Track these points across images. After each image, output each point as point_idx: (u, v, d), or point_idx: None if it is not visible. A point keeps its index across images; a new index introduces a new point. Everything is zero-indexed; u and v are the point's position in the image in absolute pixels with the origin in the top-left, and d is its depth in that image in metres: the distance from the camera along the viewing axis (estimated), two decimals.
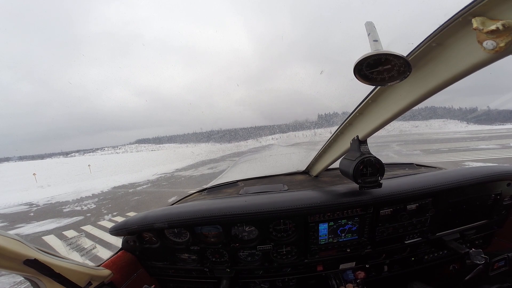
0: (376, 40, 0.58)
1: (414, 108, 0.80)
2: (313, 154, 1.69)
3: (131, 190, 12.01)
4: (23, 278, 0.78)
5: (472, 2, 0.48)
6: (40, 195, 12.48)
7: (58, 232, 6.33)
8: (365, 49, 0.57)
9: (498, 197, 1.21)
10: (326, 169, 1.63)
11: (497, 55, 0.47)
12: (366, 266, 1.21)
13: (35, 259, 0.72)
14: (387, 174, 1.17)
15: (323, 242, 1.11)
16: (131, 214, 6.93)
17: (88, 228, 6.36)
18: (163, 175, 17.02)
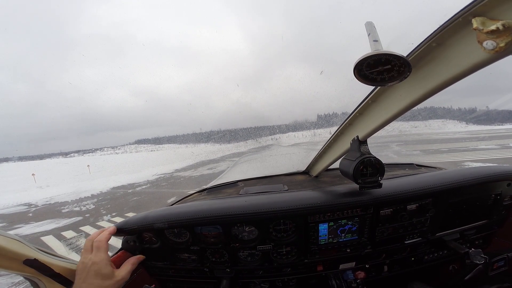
0: (376, 40, 0.58)
1: (414, 108, 0.80)
2: (313, 154, 1.70)
3: (130, 191, 12.01)
4: (22, 278, 0.78)
5: (472, 2, 0.48)
6: (39, 196, 12.46)
7: (56, 233, 6.32)
8: (365, 49, 0.57)
9: (498, 197, 1.21)
10: (326, 169, 1.63)
11: (497, 55, 0.47)
12: (366, 266, 1.21)
13: (35, 259, 0.72)
14: (387, 174, 1.17)
15: (323, 242, 1.11)
16: (130, 214, 6.93)
17: (87, 228, 6.36)
18: (162, 175, 17.02)
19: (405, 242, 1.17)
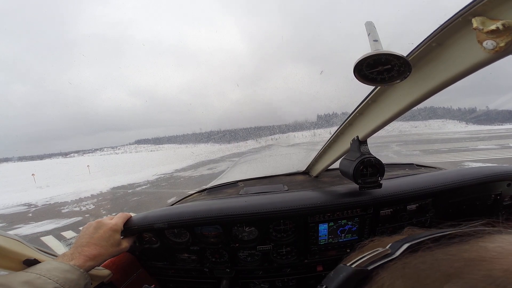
0: (376, 40, 0.58)
1: (413, 108, 0.80)
2: (313, 154, 1.69)
3: (130, 191, 12.00)
4: None
5: (472, 2, 0.48)
6: (39, 196, 12.44)
7: (56, 233, 6.31)
8: (365, 49, 0.57)
9: (498, 197, 1.21)
10: (326, 170, 1.63)
11: (497, 55, 0.47)
12: None
13: (34, 259, 0.72)
14: (387, 174, 1.17)
15: (323, 243, 1.11)
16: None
17: None
18: (162, 175, 17.01)
19: None
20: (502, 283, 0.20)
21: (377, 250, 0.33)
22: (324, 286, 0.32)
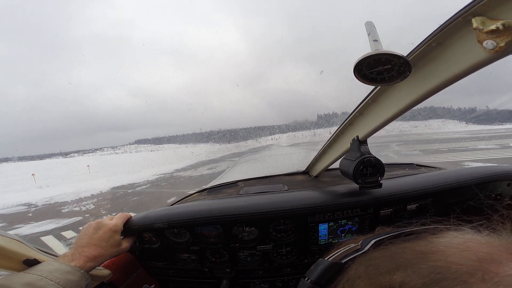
0: (376, 40, 0.58)
1: (413, 108, 0.80)
2: (313, 154, 1.69)
3: (130, 191, 12.00)
4: None
5: (472, 2, 0.48)
6: (39, 196, 12.45)
7: (56, 233, 6.32)
8: (365, 49, 0.57)
9: (498, 197, 1.21)
10: (326, 169, 1.63)
11: (497, 55, 0.47)
12: None
13: (34, 259, 0.72)
14: (387, 174, 1.17)
15: (323, 243, 1.11)
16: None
17: None
18: (162, 175, 17.01)
19: None
20: (443, 271, 0.23)
21: (350, 246, 0.38)
22: (307, 278, 0.36)
